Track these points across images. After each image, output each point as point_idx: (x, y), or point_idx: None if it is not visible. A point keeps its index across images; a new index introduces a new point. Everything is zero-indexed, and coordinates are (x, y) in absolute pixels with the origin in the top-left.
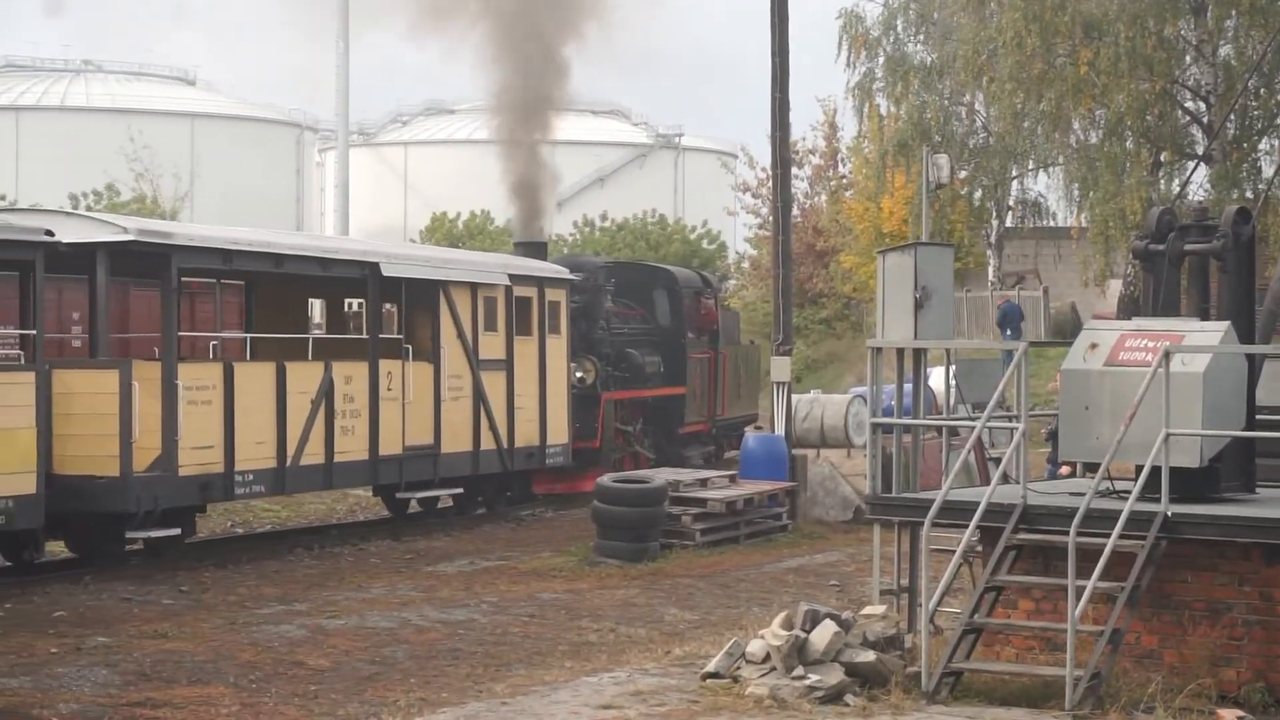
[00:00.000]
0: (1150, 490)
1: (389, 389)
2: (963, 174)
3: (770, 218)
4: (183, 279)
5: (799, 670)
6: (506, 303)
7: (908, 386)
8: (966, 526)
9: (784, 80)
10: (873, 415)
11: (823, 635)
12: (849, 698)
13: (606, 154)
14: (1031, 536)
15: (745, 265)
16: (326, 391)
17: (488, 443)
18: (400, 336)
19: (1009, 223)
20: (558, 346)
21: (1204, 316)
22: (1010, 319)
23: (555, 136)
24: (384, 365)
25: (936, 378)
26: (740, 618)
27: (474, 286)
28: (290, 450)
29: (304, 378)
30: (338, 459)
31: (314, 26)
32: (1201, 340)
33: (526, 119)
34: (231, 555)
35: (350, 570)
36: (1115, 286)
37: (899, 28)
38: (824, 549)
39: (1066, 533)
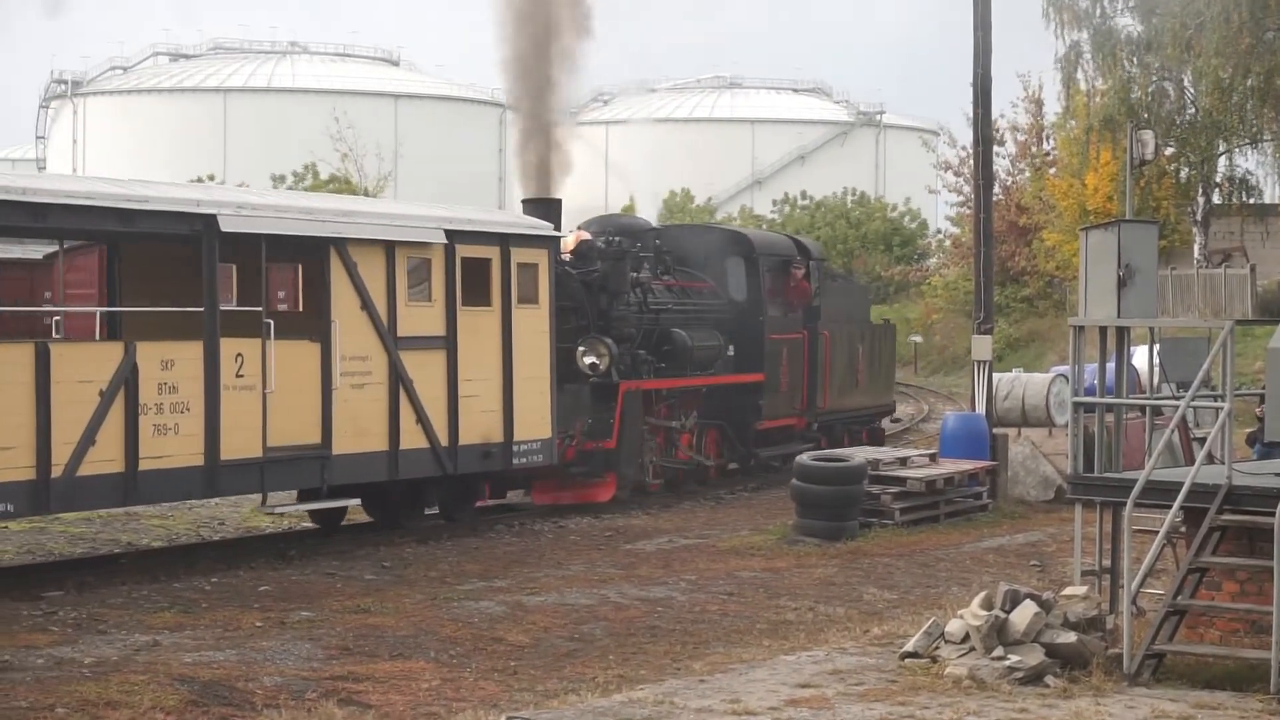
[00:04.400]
0: None
1: (239, 375)
2: (1169, 150)
3: (972, 195)
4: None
5: (999, 651)
6: (446, 265)
7: (1110, 365)
8: (1170, 507)
9: (986, 56)
10: (1075, 394)
11: (1023, 615)
12: (1049, 679)
13: (807, 132)
14: (1236, 517)
15: (947, 243)
16: (126, 380)
17: (413, 440)
18: (260, 309)
19: (1215, 200)
20: (534, 320)
21: None
22: None
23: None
24: (229, 345)
25: (1140, 356)
26: (939, 597)
27: (390, 245)
28: (60, 458)
29: (85, 363)
30: (147, 466)
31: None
32: None
33: (538, 56)
34: (433, 531)
35: (550, 547)
36: None
37: (1106, 1)
38: (1024, 529)
39: (1272, 514)
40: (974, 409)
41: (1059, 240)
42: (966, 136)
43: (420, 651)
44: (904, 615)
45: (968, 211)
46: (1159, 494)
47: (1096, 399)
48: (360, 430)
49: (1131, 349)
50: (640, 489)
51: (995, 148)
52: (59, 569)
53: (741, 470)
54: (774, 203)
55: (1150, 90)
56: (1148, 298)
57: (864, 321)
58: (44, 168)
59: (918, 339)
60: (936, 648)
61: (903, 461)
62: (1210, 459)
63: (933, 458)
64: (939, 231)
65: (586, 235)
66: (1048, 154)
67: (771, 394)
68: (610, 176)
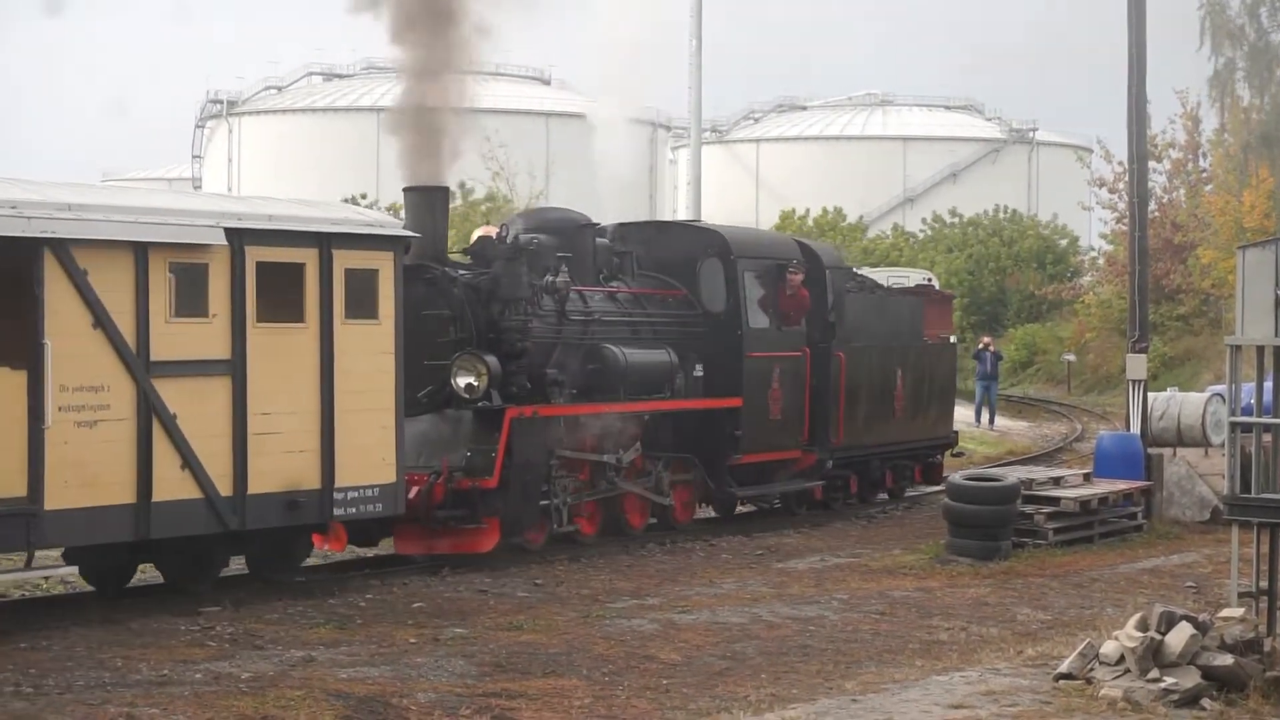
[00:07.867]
0: None
1: None
2: None
3: (1126, 213)
4: None
5: (1154, 673)
6: (233, 273)
7: (1268, 385)
8: None
9: (1141, 74)
10: (1232, 414)
11: (1179, 637)
12: (1205, 702)
13: (959, 149)
14: None
15: (1100, 261)
16: None
17: (175, 489)
18: None
19: None
20: (372, 339)
21: None
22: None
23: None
24: None
25: None
26: (1094, 618)
27: (143, 247)
28: None
29: None
30: None
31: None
32: None
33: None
34: (584, 549)
35: (701, 565)
36: None
37: (1263, 17)
38: (1180, 550)
39: None
40: (1128, 428)
41: (1215, 258)
42: (1122, 152)
43: (573, 669)
44: (1058, 636)
45: (1122, 229)
46: None
47: (1254, 419)
48: (89, 479)
49: None
50: (565, 537)
51: (1152, 164)
52: (216, 585)
53: (721, 513)
54: (923, 220)
55: None
56: None
57: (909, 339)
58: (199, 187)
59: (1071, 358)
60: (1091, 669)
61: (1056, 481)
62: None
63: (1087, 477)
64: (1092, 249)
65: (492, 231)
66: (1203, 171)
67: (754, 422)
68: (761, 193)
